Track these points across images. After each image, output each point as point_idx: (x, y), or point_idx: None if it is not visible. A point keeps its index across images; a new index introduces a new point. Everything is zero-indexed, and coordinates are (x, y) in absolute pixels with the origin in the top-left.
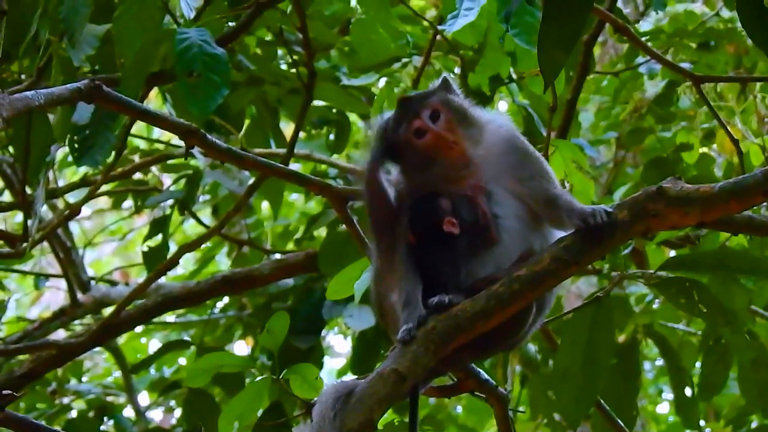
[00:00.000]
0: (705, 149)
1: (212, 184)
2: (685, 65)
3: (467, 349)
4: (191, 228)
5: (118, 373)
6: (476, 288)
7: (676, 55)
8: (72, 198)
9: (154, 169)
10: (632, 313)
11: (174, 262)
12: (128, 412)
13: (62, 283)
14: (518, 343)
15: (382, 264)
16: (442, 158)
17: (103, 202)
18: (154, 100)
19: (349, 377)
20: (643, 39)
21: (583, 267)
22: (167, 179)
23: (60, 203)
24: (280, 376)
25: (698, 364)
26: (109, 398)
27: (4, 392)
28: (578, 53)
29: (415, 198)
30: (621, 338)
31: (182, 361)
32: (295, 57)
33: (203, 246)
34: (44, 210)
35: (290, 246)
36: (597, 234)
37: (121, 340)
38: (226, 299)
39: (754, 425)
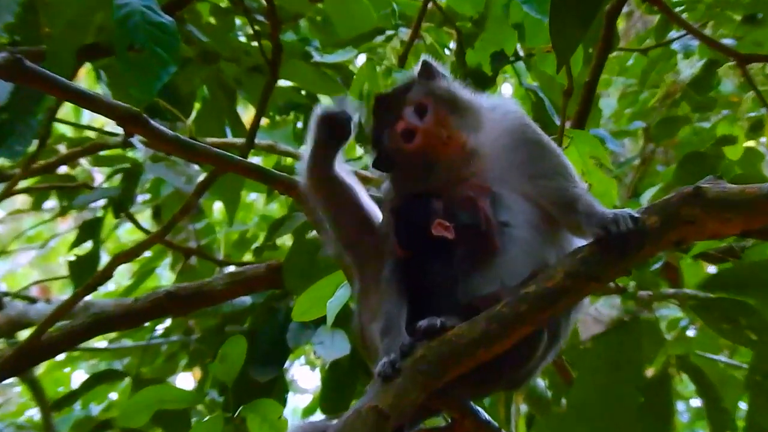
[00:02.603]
0: (751, 143)
1: (154, 181)
2: (728, 42)
3: (463, 384)
4: (128, 234)
5: (35, 411)
6: (475, 308)
7: (716, 30)
8: None
9: (83, 161)
10: (663, 342)
11: (106, 275)
12: None
13: None
14: (525, 380)
15: (363, 285)
16: (439, 159)
17: (21, 201)
18: (85, 78)
19: (319, 417)
20: (677, 9)
21: (604, 284)
22: (99, 174)
23: None
24: (235, 415)
25: (743, 405)
26: None
27: None
28: (598, 26)
29: (401, 200)
30: (649, 372)
31: (114, 396)
32: (257, 28)
33: (142, 256)
34: None
35: (248, 256)
36: (621, 244)
37: (40, 369)
38: (169, 321)
39: None
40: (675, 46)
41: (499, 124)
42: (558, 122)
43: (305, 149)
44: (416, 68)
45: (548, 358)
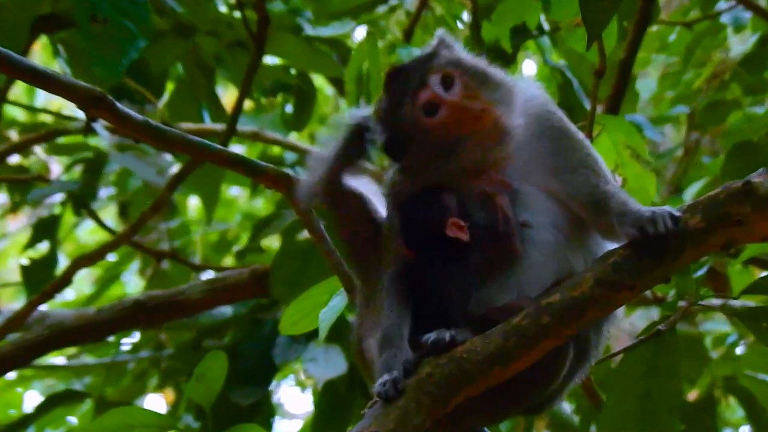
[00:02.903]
0: None
1: (120, 173)
2: None
3: (476, 408)
4: (89, 234)
5: None
6: (490, 320)
7: None
8: None
9: (38, 150)
10: (708, 360)
11: (65, 282)
12: None
13: None
14: (548, 405)
15: (366, 293)
16: (468, 136)
17: None
18: (40, 54)
19: None
20: None
21: (640, 293)
22: (56, 165)
23: None
24: None
25: None
26: None
27: None
28: None
29: (409, 195)
30: (692, 395)
31: (74, 420)
32: None
33: (106, 259)
34: None
35: (229, 260)
36: (658, 247)
37: None
38: (137, 334)
39: None
40: (724, 18)
41: (521, 109)
42: (588, 107)
43: (324, 152)
44: (432, 42)
45: (575, 378)
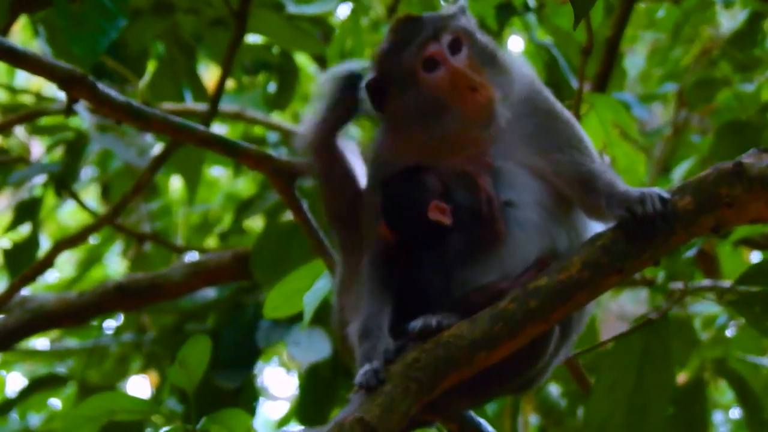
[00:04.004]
0: None
1: (101, 154)
2: None
3: (460, 390)
4: (71, 215)
5: None
6: (472, 302)
7: None
8: None
9: (18, 131)
10: (698, 343)
11: (47, 264)
12: None
13: None
14: (533, 383)
15: (347, 271)
16: (457, 107)
17: None
18: (20, 34)
19: (295, 429)
20: None
21: (629, 276)
22: (38, 146)
23: None
24: (197, 427)
25: None
26: None
27: None
28: None
29: (390, 174)
30: (681, 378)
31: (57, 404)
32: None
33: (88, 241)
34: None
35: (211, 242)
36: (647, 229)
37: None
38: (120, 317)
39: None
40: None
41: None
42: (575, 85)
43: (314, 109)
44: (450, 7)
45: (559, 356)
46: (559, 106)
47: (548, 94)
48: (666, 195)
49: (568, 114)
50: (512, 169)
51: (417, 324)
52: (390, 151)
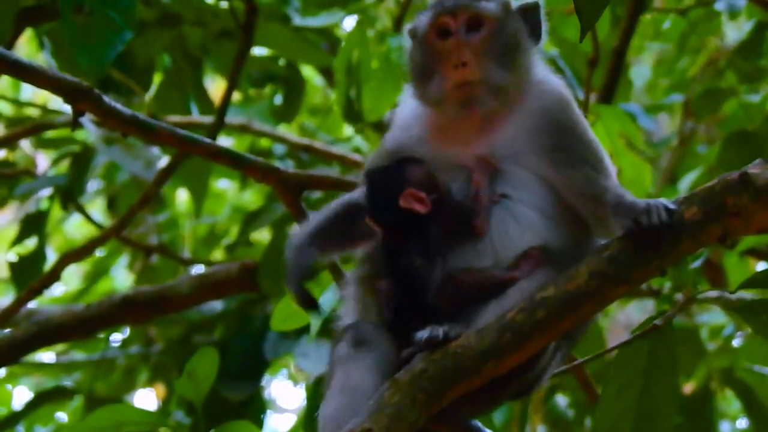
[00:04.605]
0: None
1: (108, 166)
2: None
3: (465, 398)
4: (77, 228)
5: None
6: (458, 283)
7: None
8: None
9: (24, 144)
10: (705, 352)
11: (53, 277)
12: None
13: None
14: (535, 386)
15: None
16: (441, 77)
17: None
18: (26, 46)
19: None
20: None
21: (636, 286)
22: (43, 159)
23: None
24: None
25: None
26: None
27: None
28: None
29: (377, 166)
30: (689, 387)
31: (63, 417)
32: None
33: (95, 254)
34: None
35: (218, 255)
36: (654, 239)
37: None
38: (126, 330)
39: None
40: (718, 5)
41: (533, 99)
42: (581, 96)
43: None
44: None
45: (557, 357)
46: (582, 124)
47: (574, 111)
48: (672, 205)
49: (591, 134)
50: (517, 172)
51: (424, 334)
52: (400, 125)
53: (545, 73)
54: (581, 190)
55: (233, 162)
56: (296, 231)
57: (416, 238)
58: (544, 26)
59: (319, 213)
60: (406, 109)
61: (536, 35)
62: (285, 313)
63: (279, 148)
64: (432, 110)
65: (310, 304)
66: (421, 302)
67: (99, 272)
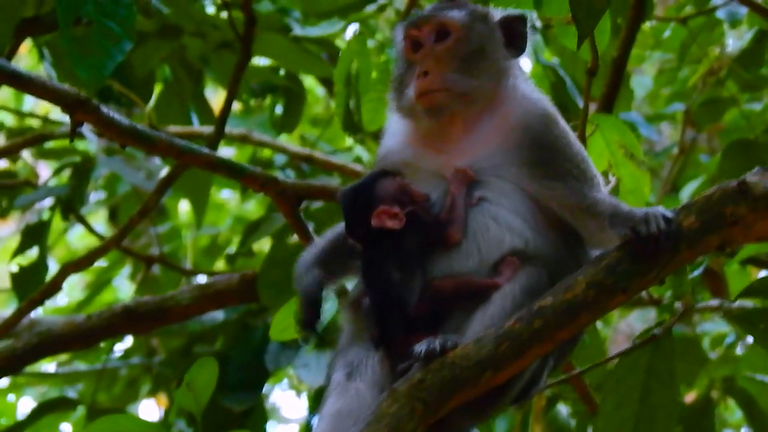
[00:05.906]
0: None
1: (108, 177)
2: None
3: (465, 409)
4: (79, 239)
5: None
6: (437, 289)
7: None
8: None
9: (25, 154)
10: (706, 362)
11: (55, 288)
12: None
13: None
14: (532, 390)
15: None
16: (409, 87)
17: None
18: (26, 58)
19: None
20: None
21: (633, 295)
22: (45, 169)
23: None
24: None
25: None
26: None
27: None
28: None
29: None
30: (689, 397)
31: (67, 427)
32: None
33: (96, 265)
34: None
35: (220, 265)
36: (652, 248)
37: None
38: (128, 340)
39: None
40: (719, 14)
41: (516, 115)
42: (581, 105)
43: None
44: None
45: (550, 362)
46: (566, 138)
47: (557, 126)
48: (669, 214)
49: (576, 147)
50: (496, 182)
51: (421, 348)
52: (388, 134)
53: (530, 88)
54: (566, 201)
55: (232, 172)
56: (302, 256)
57: (393, 251)
58: (530, 38)
59: (324, 236)
60: (393, 118)
61: (518, 47)
62: (284, 323)
63: (280, 159)
64: (409, 121)
65: (311, 328)
66: (402, 314)
67: (101, 283)
